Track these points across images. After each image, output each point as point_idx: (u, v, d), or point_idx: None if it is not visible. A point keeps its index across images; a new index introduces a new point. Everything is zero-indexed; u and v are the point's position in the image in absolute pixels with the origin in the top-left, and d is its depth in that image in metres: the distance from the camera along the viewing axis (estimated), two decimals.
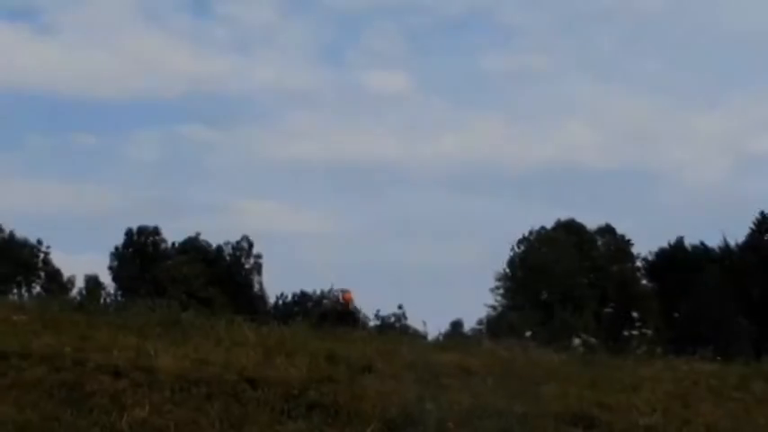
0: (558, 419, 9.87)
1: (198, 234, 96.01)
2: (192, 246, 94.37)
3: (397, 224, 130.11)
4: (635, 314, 19.57)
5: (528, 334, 16.55)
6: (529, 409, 9.99)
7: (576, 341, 14.24)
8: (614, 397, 10.80)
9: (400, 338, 13.02)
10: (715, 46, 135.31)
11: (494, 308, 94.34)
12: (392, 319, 79.61)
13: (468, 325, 73.74)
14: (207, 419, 9.02)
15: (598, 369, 12.13)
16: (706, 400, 11.16)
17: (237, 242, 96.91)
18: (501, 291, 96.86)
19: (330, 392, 9.72)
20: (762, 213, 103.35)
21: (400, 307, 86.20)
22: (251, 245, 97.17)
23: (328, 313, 18.55)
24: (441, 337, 15.23)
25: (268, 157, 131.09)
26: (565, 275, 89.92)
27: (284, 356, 10.74)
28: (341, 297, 18.13)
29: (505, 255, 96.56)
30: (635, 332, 17.71)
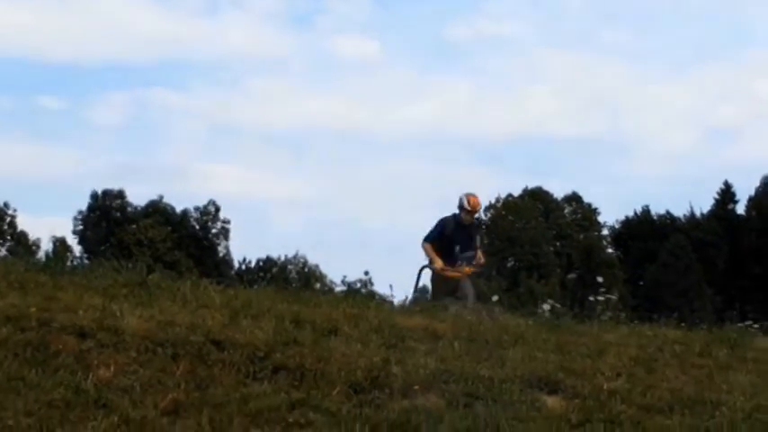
0: (523, 383, 9.91)
1: (161, 197, 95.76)
2: (157, 209, 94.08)
3: (365, 190, 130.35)
4: (600, 279, 19.65)
5: (494, 299, 16.49)
6: (494, 372, 10.03)
7: (545, 306, 14.24)
8: (579, 362, 10.83)
9: (366, 302, 12.97)
10: (684, 16, 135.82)
11: None
12: (359, 285, 79.87)
13: None
14: (172, 380, 9.00)
15: (564, 334, 12.15)
16: (670, 366, 11.21)
17: (204, 206, 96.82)
18: None
19: (296, 355, 9.72)
20: (726, 183, 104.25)
21: (367, 273, 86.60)
22: (218, 209, 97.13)
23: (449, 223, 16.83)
24: (407, 302, 15.17)
25: (236, 123, 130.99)
26: (531, 243, 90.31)
27: (250, 319, 10.71)
28: (466, 201, 16.55)
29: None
30: (600, 298, 17.80)
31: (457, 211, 16.97)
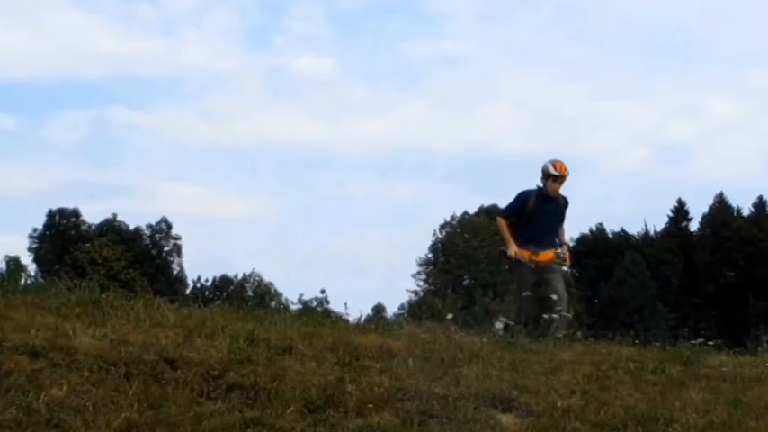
0: (477, 401, 9.91)
1: (115, 216, 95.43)
2: (111, 227, 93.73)
3: (321, 208, 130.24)
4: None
5: (449, 317, 16.21)
6: (449, 390, 10.03)
7: (498, 324, 14.10)
8: (534, 379, 10.85)
9: (322, 320, 12.95)
10: (638, 35, 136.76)
11: (415, 293, 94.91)
12: (314, 303, 79.74)
13: (391, 310, 74.00)
14: (125, 399, 8.95)
15: (518, 352, 12.17)
16: (624, 383, 11.25)
17: (156, 224, 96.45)
18: (423, 276, 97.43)
19: (250, 373, 9.69)
20: (680, 201, 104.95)
21: (323, 291, 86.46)
22: (169, 227, 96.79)
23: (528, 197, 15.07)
24: (362, 320, 15.14)
25: (193, 140, 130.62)
26: (487, 261, 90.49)
27: (204, 337, 10.68)
28: (552, 167, 14.85)
29: (428, 240, 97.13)
30: (555, 316, 17.86)
31: (539, 184, 15.17)
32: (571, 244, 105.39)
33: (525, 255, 14.81)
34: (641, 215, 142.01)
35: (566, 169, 14.97)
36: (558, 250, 15.11)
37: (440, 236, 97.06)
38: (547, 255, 14.95)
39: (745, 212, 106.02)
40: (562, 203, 15.38)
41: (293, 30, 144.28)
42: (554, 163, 14.90)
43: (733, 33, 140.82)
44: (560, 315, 14.58)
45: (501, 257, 15.53)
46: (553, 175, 14.82)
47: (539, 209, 14.85)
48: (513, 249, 14.75)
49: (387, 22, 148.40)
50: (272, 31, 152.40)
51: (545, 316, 14.60)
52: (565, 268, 15.51)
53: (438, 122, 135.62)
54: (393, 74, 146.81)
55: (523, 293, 14.78)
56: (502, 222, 15.12)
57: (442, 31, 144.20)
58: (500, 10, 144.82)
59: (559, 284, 14.92)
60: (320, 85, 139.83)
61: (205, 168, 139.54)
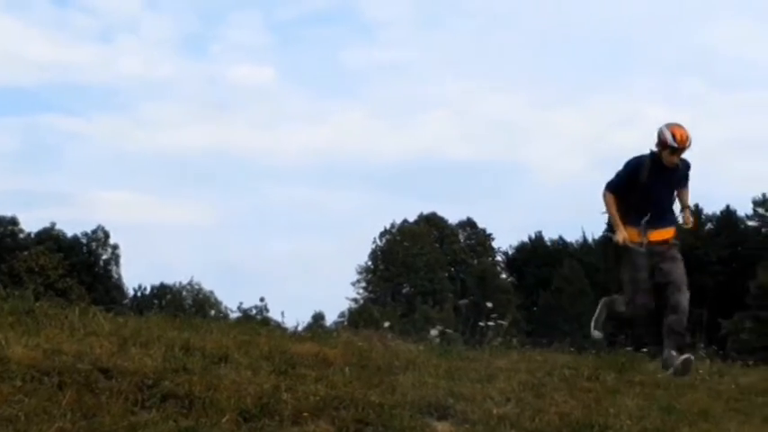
0: (413, 409, 9.92)
1: (53, 224, 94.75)
2: (49, 236, 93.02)
3: (260, 216, 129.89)
4: (489, 305, 19.71)
5: (386, 325, 16.13)
6: (385, 399, 10.03)
7: (434, 332, 14.07)
8: (469, 387, 10.88)
9: (258, 329, 12.92)
10: (578, 44, 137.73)
11: (355, 301, 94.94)
12: (254, 312, 79.47)
13: (330, 318, 74.00)
14: (58, 410, 8.85)
15: (454, 360, 12.21)
16: (559, 390, 11.31)
17: (93, 232, 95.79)
18: (363, 284, 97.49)
19: (185, 383, 9.62)
20: None
21: (262, 299, 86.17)
22: (107, 235, 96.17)
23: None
24: (300, 329, 15.13)
25: (130, 148, 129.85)
26: (426, 269, 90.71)
27: (139, 346, 10.59)
28: (670, 135, 12.20)
29: (368, 248, 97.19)
30: (491, 323, 17.90)
31: (654, 149, 12.50)
32: (510, 253, 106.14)
33: (635, 237, 12.57)
34: (580, 223, 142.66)
35: (687, 139, 12.28)
36: (683, 219, 13.07)
37: (379, 243, 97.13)
38: (662, 233, 12.69)
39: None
40: (682, 169, 12.73)
41: (231, 38, 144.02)
42: (672, 129, 12.30)
43: (669, 42, 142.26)
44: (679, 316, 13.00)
45: (608, 247, 13.37)
46: (671, 147, 12.23)
47: (652, 180, 12.25)
48: (621, 234, 12.49)
49: (325, 30, 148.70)
50: (209, 39, 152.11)
51: (668, 319, 13.13)
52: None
53: (377, 130, 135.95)
54: (331, 82, 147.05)
55: (639, 283, 12.92)
56: (610, 199, 12.56)
57: (380, 39, 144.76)
58: (438, 18, 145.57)
59: (679, 274, 13.11)
60: (258, 93, 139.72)
61: (143, 176, 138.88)
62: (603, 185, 12.66)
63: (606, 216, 12.89)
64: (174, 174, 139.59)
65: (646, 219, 12.46)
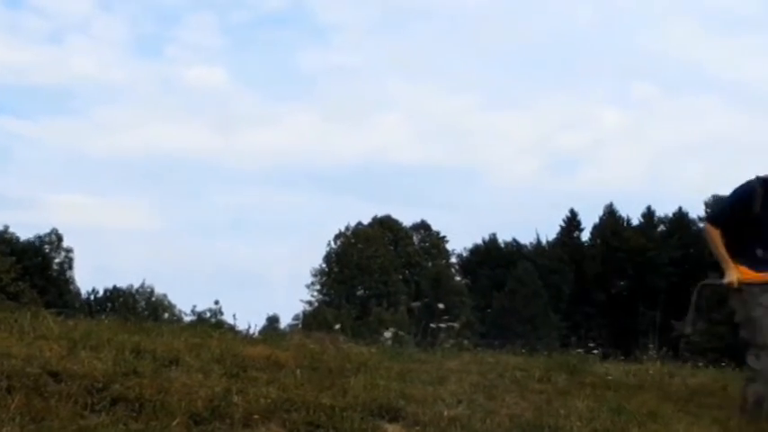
0: (364, 411, 9.92)
1: (6, 227, 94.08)
2: (2, 239, 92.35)
3: (214, 219, 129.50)
4: (441, 306, 19.79)
5: (338, 327, 16.13)
6: (336, 401, 10.02)
7: (387, 334, 14.09)
8: (421, 389, 10.90)
9: (209, 332, 12.89)
10: (528, 45, 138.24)
11: (310, 303, 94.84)
12: (208, 315, 79.20)
13: (285, 321, 73.90)
14: (6, 414, 8.78)
15: (406, 362, 12.23)
16: (511, 392, 11.36)
17: (46, 235, 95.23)
18: (317, 286, 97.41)
19: (135, 386, 9.57)
20: (572, 211, 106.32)
21: (216, 302, 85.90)
22: (60, 239, 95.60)
23: None
24: (253, 332, 15.09)
25: (83, 151, 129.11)
26: (380, 271, 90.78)
27: (89, 350, 10.54)
28: None
29: (322, 250, 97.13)
30: (443, 325, 17.99)
31: (762, 175, 10.00)
32: (464, 255, 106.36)
33: (752, 275, 10.30)
34: (533, 225, 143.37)
35: None
36: None
37: (334, 246, 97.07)
38: None
39: (635, 222, 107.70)
40: None
41: (185, 40, 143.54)
42: None
43: (619, 45, 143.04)
44: None
45: (704, 288, 11.52)
46: None
47: (766, 210, 10.02)
48: (733, 275, 10.39)
49: (278, 32, 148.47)
50: (163, 40, 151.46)
51: None
52: None
53: (330, 133, 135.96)
54: (284, 84, 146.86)
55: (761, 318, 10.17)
56: (714, 234, 10.57)
57: (333, 42, 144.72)
58: (390, 21, 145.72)
59: None
60: (212, 95, 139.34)
61: (96, 179, 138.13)
62: (705, 221, 10.78)
63: (712, 253, 10.75)
64: (127, 176, 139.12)
65: (761, 254, 10.29)
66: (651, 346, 17.77)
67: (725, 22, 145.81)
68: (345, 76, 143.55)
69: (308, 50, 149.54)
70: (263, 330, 15.68)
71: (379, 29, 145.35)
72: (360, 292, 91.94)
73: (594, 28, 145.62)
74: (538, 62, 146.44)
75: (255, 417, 9.44)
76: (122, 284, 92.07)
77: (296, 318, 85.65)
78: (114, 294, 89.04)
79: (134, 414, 9.23)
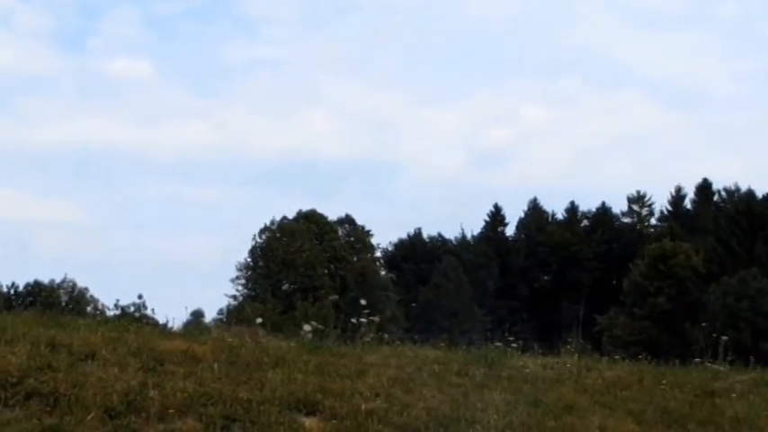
0: (282, 405, 9.94)
1: None
2: None
3: (139, 214, 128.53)
4: (363, 302, 19.72)
5: (258, 321, 15.93)
6: (253, 395, 10.04)
7: (307, 328, 13.95)
8: (339, 383, 10.93)
9: (127, 326, 12.80)
10: (455, 43, 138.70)
11: (234, 298, 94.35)
12: (132, 309, 78.57)
13: (210, 315, 73.39)
14: None
15: (325, 356, 12.23)
16: (428, 385, 11.41)
17: None
18: (242, 281, 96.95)
19: (50, 380, 9.52)
20: (496, 206, 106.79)
21: (140, 296, 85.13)
22: None
23: None
24: (172, 325, 14.98)
25: (4, 144, 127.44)
26: (306, 265, 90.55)
27: (4, 344, 10.45)
28: None
29: (247, 245, 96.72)
30: (363, 320, 17.92)
31: None
32: (389, 249, 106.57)
33: None
34: (458, 220, 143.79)
35: None
36: None
37: (259, 240, 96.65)
38: None
39: (559, 217, 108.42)
40: None
41: (109, 32, 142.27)
42: None
43: (544, 42, 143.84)
44: None
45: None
46: None
47: None
48: None
49: (205, 26, 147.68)
50: (87, 33, 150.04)
51: None
52: None
53: (257, 127, 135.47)
54: (211, 78, 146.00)
55: None
56: None
57: (262, 36, 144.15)
58: (319, 16, 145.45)
59: None
60: (137, 88, 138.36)
61: (18, 173, 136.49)
62: None
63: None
64: (50, 169, 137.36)
65: None
66: (570, 339, 17.89)
67: (648, 19, 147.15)
68: (272, 71, 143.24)
69: (235, 44, 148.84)
70: (187, 325, 15.49)
71: (308, 23, 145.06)
72: (285, 287, 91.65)
73: (520, 24, 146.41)
74: (464, 59, 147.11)
75: (171, 411, 9.42)
76: (44, 279, 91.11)
77: (221, 312, 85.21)
78: (35, 289, 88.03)
79: (48, 408, 9.18)
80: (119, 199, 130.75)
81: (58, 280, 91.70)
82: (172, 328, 14.33)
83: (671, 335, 72.16)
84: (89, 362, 10.38)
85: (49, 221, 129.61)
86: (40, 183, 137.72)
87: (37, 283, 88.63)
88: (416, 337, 15.37)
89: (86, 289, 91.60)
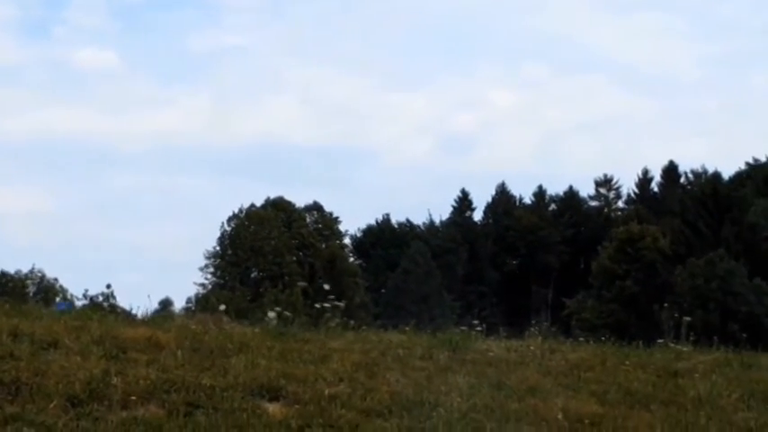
0: (245, 391, 9.95)
1: None
2: None
3: (107, 203, 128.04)
4: (326, 287, 19.81)
5: (222, 308, 15.95)
6: (216, 381, 10.04)
7: (271, 314, 13.97)
8: (303, 368, 10.94)
9: (90, 314, 12.79)
10: (419, 28, 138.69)
11: (203, 286, 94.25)
12: (100, 299, 78.34)
13: (179, 304, 73.19)
14: None
15: (289, 342, 12.25)
16: (392, 370, 11.44)
17: None
18: (211, 269, 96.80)
19: (11, 369, 9.51)
20: (463, 191, 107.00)
21: (108, 286, 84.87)
22: None
23: None
24: (136, 313, 14.92)
25: None
26: (274, 253, 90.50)
27: None
28: None
29: (215, 233, 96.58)
30: (327, 305, 17.99)
31: None
32: (358, 236, 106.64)
33: None
34: (426, 205, 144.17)
35: None
36: None
37: (227, 228, 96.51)
38: None
39: (527, 201, 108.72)
40: None
41: (74, 21, 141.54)
42: None
43: (510, 27, 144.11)
44: None
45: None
46: None
47: None
48: None
49: (170, 14, 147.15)
50: (51, 21, 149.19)
51: None
52: None
53: (223, 115, 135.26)
54: (177, 66, 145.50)
55: None
56: None
57: (226, 23, 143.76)
58: (284, 3, 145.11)
59: None
60: (103, 78, 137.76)
61: None
62: None
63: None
64: (16, 160, 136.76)
65: None
66: (534, 322, 17.97)
67: (613, 2, 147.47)
68: (238, 58, 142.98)
69: (200, 32, 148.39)
70: (154, 314, 15.42)
71: (272, 9, 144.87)
72: (254, 275, 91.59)
73: (486, 8, 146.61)
74: (430, 43, 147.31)
75: (134, 398, 9.42)
76: (10, 269, 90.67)
77: (189, 301, 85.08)
78: (2, 279, 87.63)
79: (10, 397, 9.17)
80: (87, 188, 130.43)
81: (25, 270, 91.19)
82: (136, 315, 14.26)
83: (639, 318, 72.49)
84: (51, 350, 10.38)
85: (17, 212, 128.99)
86: (7, 173, 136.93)
87: (3, 274, 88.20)
88: (385, 323, 15.38)
89: (56, 279, 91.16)
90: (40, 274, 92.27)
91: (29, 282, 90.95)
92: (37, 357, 9.98)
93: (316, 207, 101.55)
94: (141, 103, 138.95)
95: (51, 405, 9.02)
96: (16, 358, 9.82)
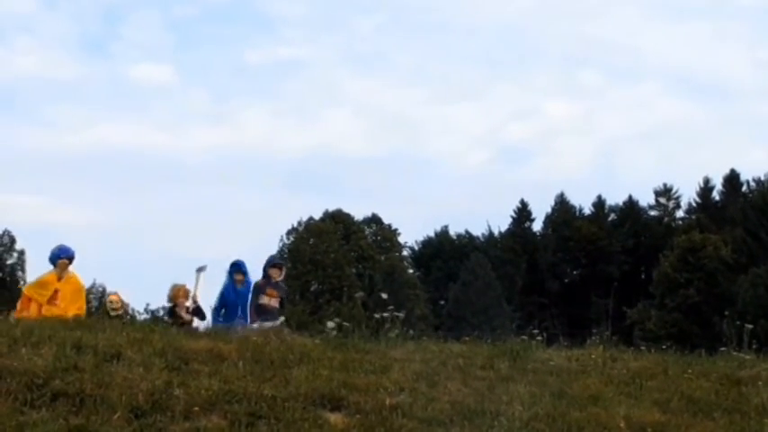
0: (306, 401, 9.99)
1: None
2: None
3: (165, 216, 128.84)
4: (384, 296, 19.94)
5: (282, 320, 15.99)
6: (278, 391, 10.09)
7: (331, 325, 14.02)
8: (364, 378, 10.96)
9: (152, 326, 12.89)
10: (475, 39, 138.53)
11: None
12: (161, 313, 78.73)
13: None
14: None
15: (350, 352, 12.26)
16: (453, 379, 11.42)
17: None
18: None
19: (75, 381, 9.62)
20: (522, 202, 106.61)
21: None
22: (13, 240, 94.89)
23: None
24: (197, 326, 15.05)
25: (32, 151, 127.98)
26: (334, 266, 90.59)
27: (30, 347, 10.56)
28: None
29: (274, 246, 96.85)
30: (386, 315, 18.06)
31: None
32: (416, 248, 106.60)
33: None
34: (485, 216, 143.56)
35: None
36: None
37: (286, 242, 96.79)
38: None
39: (586, 211, 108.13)
40: None
41: (131, 37, 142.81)
42: None
43: (563, 35, 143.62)
44: None
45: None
46: None
47: None
48: None
49: (225, 28, 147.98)
50: (109, 38, 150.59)
51: None
52: None
53: (280, 128, 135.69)
54: (233, 80, 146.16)
55: None
56: None
57: (282, 37, 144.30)
58: (339, 15, 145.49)
59: None
60: (160, 92, 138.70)
61: (47, 179, 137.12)
62: None
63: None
64: (77, 175, 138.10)
65: None
66: (595, 332, 17.84)
67: (669, 9, 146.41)
68: (294, 71, 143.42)
69: (256, 45, 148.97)
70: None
71: (328, 22, 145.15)
72: (313, 288, 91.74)
73: (537, 18, 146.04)
74: (485, 54, 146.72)
75: (196, 409, 9.49)
76: None
77: None
78: None
79: (74, 409, 9.28)
80: (146, 203, 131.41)
81: (87, 285, 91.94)
82: (197, 328, 14.37)
83: (701, 327, 71.85)
84: (114, 362, 10.47)
85: (79, 226, 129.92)
86: (68, 188, 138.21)
87: None
88: (445, 334, 15.33)
89: (116, 293, 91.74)
90: (101, 289, 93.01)
91: (90, 296, 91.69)
92: (100, 369, 10.08)
93: (374, 219, 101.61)
94: (198, 116, 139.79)
95: (115, 416, 9.11)
96: (80, 370, 9.92)
